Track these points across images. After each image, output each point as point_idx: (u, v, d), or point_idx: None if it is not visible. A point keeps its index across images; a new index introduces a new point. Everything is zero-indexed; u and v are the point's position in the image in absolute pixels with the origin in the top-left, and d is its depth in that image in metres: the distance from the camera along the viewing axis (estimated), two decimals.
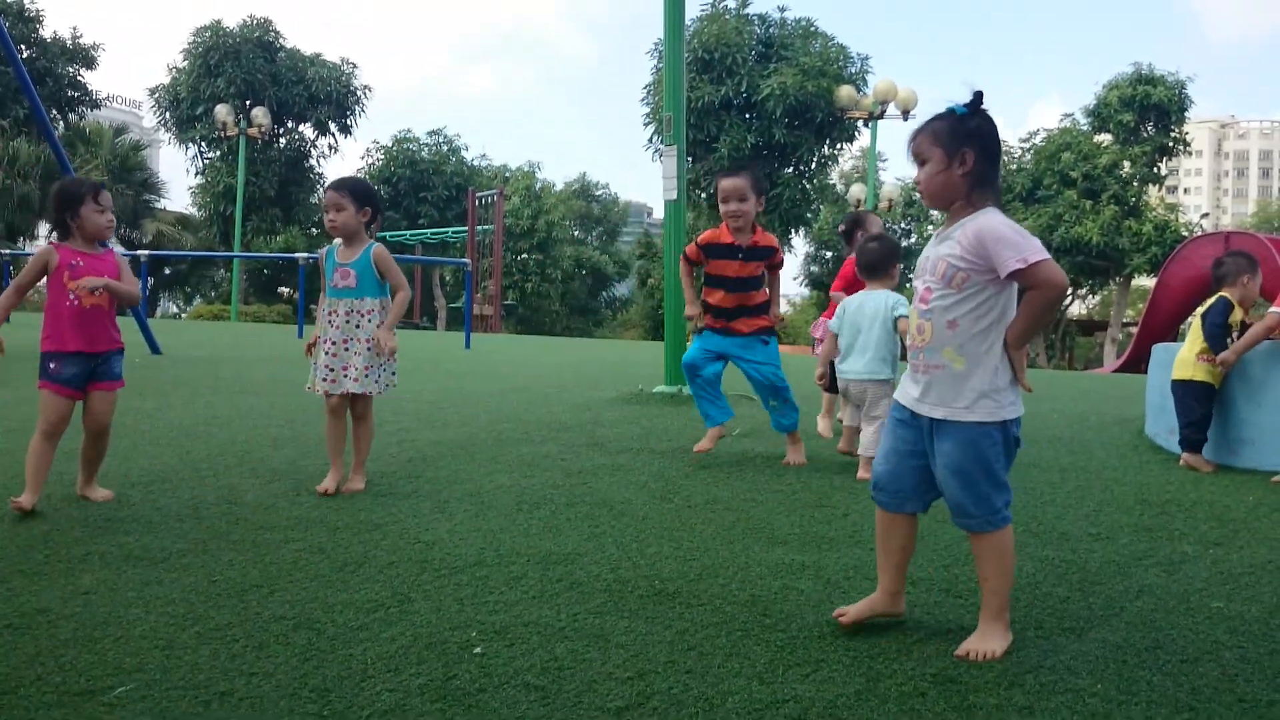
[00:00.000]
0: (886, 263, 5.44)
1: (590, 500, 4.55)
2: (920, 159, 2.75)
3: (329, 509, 4.28)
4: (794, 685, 2.51)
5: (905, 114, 27.47)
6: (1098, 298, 50.00)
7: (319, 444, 5.65)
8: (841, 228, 7.30)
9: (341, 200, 4.56)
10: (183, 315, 43.95)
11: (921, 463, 2.81)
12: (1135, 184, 37.67)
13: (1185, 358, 5.95)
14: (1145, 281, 40.51)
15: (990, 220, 2.65)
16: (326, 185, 4.78)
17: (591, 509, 4.39)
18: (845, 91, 29.93)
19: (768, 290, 5.61)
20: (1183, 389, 5.92)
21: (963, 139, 2.68)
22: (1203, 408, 5.86)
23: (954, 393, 2.70)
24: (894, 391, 5.65)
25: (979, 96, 2.72)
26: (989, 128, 2.71)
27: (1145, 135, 37.61)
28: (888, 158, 63.86)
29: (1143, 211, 37.31)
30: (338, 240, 4.71)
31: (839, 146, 40.27)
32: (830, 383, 6.23)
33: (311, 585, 3.25)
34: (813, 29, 38.74)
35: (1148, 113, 37.20)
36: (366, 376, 4.56)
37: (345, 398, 4.63)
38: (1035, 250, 2.59)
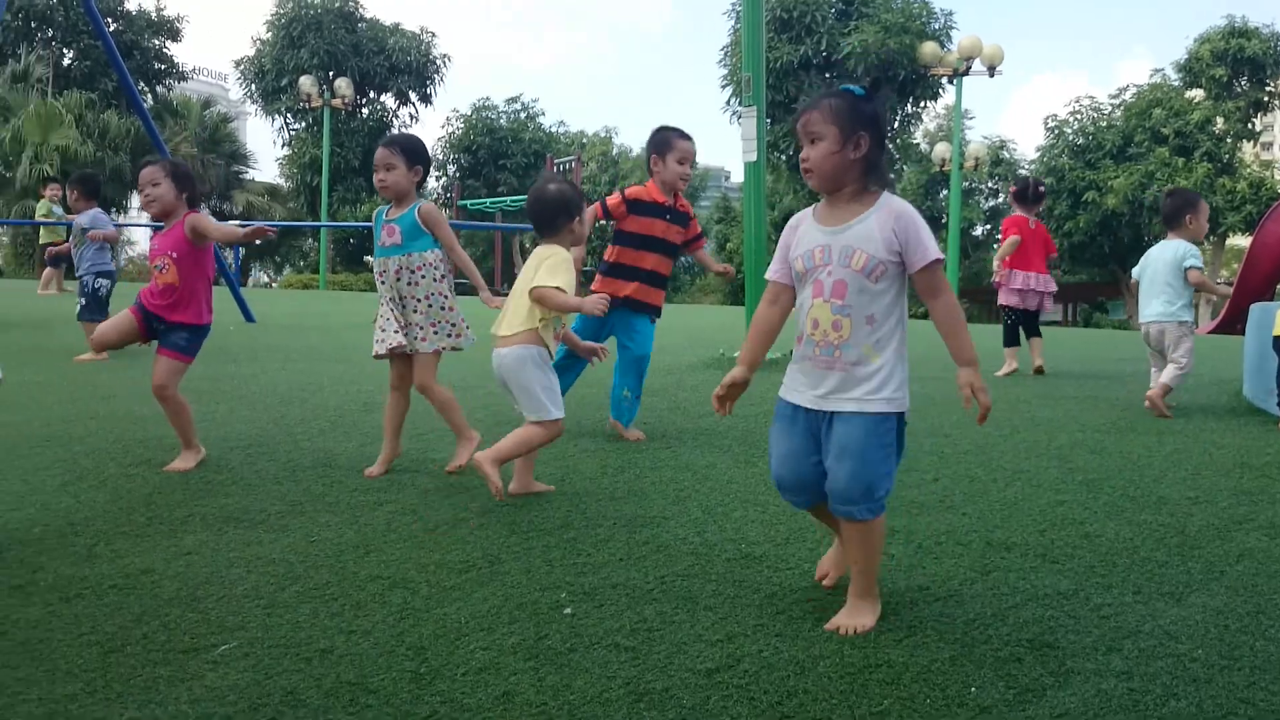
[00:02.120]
0: (1179, 214, 6.23)
1: (674, 465, 4.56)
2: (811, 136, 2.65)
3: (420, 472, 4.35)
4: (887, 650, 2.49)
5: (991, 70, 26.75)
6: None
7: (410, 409, 5.73)
8: (1014, 189, 8.42)
9: (392, 158, 4.31)
10: (274, 284, 44.87)
11: (814, 457, 2.70)
12: (1229, 140, 36.36)
13: None
14: (1240, 240, 39.18)
15: (907, 205, 2.66)
16: (379, 144, 4.55)
17: (675, 473, 4.40)
18: (929, 48, 29.23)
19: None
20: None
21: (859, 122, 2.62)
22: None
23: (863, 384, 2.61)
24: (1190, 334, 5.96)
25: (877, 82, 2.71)
26: (882, 113, 2.71)
27: (1239, 90, 36.24)
28: (974, 115, 62.66)
29: (1237, 169, 36.03)
30: (389, 205, 4.48)
31: (923, 104, 39.58)
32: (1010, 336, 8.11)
33: (405, 546, 3.32)
34: None
35: (1241, 67, 35.82)
36: (434, 333, 4.33)
37: (407, 365, 4.40)
38: (938, 249, 2.63)
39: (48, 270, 16.49)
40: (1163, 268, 6.21)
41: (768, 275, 2.86)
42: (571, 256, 4.05)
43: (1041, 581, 3.01)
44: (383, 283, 4.40)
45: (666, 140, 5.24)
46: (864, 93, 2.65)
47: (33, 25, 39.83)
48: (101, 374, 7.11)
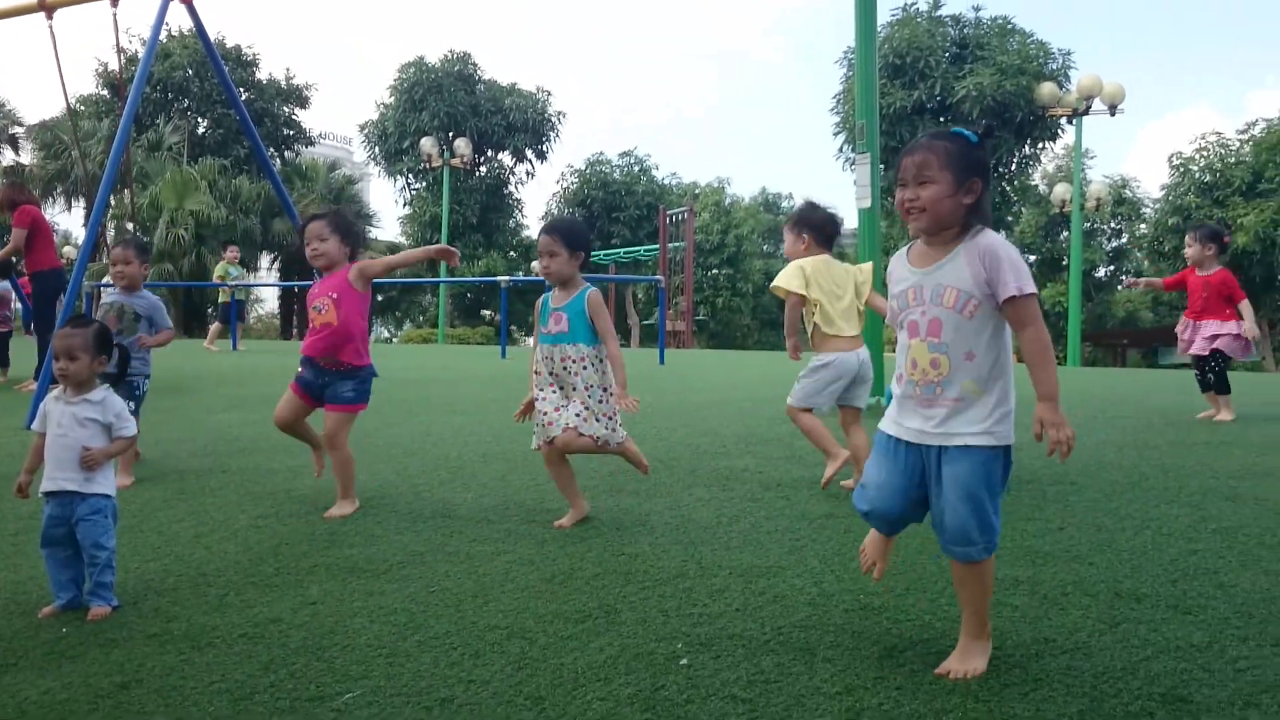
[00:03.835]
0: None
1: (790, 514, 4.53)
2: (923, 178, 2.62)
3: (536, 523, 4.40)
4: (1011, 704, 2.43)
5: (1112, 109, 26.14)
6: None
7: (525, 460, 5.82)
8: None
9: (554, 245, 4.34)
10: (394, 339, 46.08)
11: (912, 493, 2.70)
12: None
13: None
14: None
15: (998, 239, 2.63)
16: (540, 230, 4.56)
17: (792, 522, 4.36)
18: (1046, 89, 28.69)
19: None
20: None
21: (973, 167, 2.62)
22: None
23: (970, 419, 2.59)
24: None
25: (989, 129, 2.71)
26: (988, 160, 2.71)
27: None
28: (1095, 155, 60.80)
29: None
30: (553, 290, 4.50)
31: (1040, 146, 38.85)
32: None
33: (522, 596, 3.36)
34: (1010, 27, 37.60)
35: None
36: (584, 421, 4.28)
37: (555, 451, 4.37)
38: (1030, 282, 2.57)
39: (217, 325, 18.19)
40: None
41: (889, 322, 2.90)
42: None
43: (1173, 633, 2.90)
44: (545, 370, 4.37)
45: None
46: (977, 139, 2.66)
47: (169, 96, 42.13)
48: (236, 428, 7.40)
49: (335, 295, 4.64)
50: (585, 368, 4.32)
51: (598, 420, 4.31)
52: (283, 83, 44.60)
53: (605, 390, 4.34)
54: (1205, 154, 36.94)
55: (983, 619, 2.69)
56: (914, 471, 2.69)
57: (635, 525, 4.35)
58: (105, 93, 41.58)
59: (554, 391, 4.37)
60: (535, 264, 4.70)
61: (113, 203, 35.51)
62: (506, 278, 17.52)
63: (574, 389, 4.32)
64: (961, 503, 2.58)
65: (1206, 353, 7.95)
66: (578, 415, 4.29)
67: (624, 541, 4.06)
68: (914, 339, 2.67)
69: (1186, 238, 8.71)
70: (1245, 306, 7.93)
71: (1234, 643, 2.81)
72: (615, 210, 45.81)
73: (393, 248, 46.08)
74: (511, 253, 44.86)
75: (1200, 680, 2.55)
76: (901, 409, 2.73)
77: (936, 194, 2.61)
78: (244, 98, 40.30)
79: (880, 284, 5.59)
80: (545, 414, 4.36)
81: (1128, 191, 41.26)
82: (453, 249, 4.81)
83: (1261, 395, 10.51)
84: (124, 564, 3.68)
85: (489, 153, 45.64)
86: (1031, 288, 2.56)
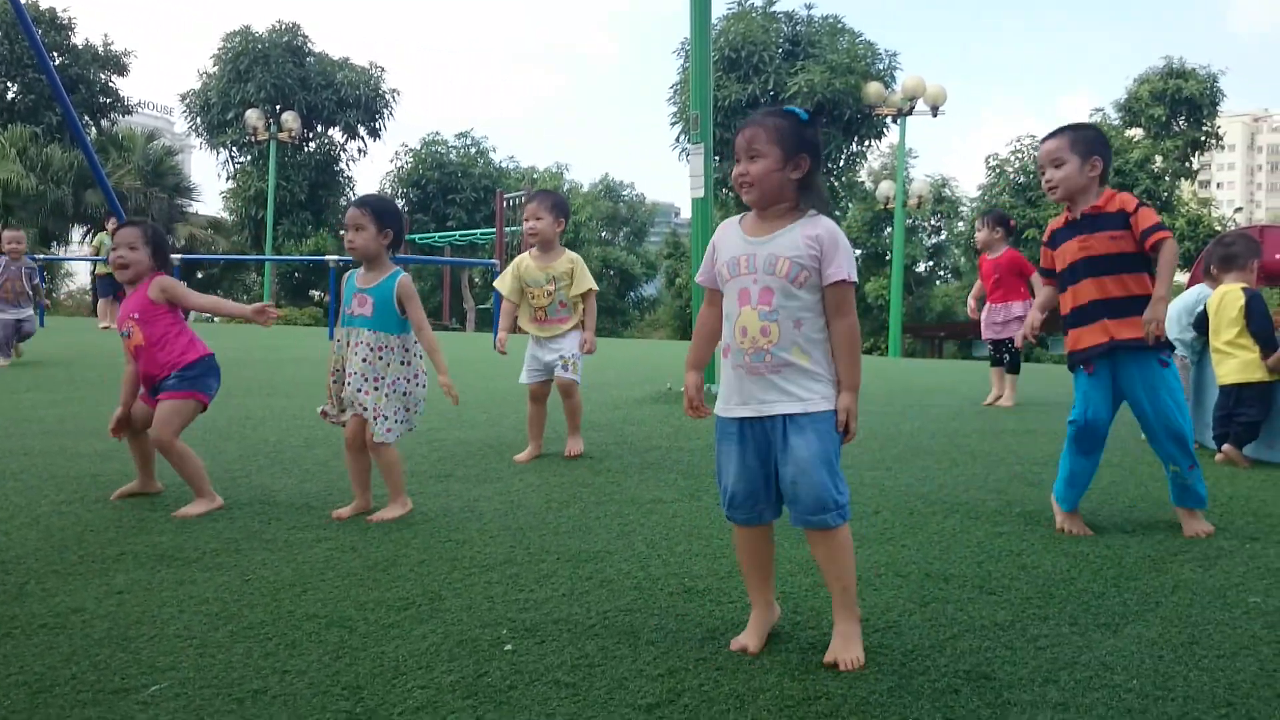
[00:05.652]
0: (1207, 268, 6.20)
1: (620, 498, 4.55)
2: (753, 153, 2.71)
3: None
4: (825, 682, 2.50)
5: (934, 110, 27.27)
6: None
7: None
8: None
9: (361, 219, 4.17)
10: (215, 319, 44.32)
11: (770, 471, 2.72)
12: (1167, 179, 37.28)
13: (1251, 359, 5.70)
14: (1178, 277, 39.99)
15: (834, 225, 2.73)
16: (349, 203, 4.40)
17: (621, 507, 4.39)
18: (873, 88, 29.69)
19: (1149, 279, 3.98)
20: (1256, 391, 5.68)
21: (801, 144, 2.71)
22: (1269, 406, 5.70)
23: (805, 386, 2.67)
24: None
25: (820, 108, 2.82)
26: (820, 139, 2.81)
27: (1177, 129, 37.23)
28: (918, 154, 63.14)
29: (1175, 206, 36.90)
30: (360, 269, 4.32)
31: (867, 143, 40.21)
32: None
33: (343, 584, 3.27)
34: (840, 26, 38.75)
35: (1179, 107, 36.83)
36: (396, 420, 4.16)
37: (360, 423, 4.20)
38: (855, 274, 2.70)
39: (103, 302, 17.11)
40: (1179, 305, 6.47)
41: (698, 279, 2.94)
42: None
43: (979, 613, 3.04)
44: (337, 351, 4.22)
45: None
46: (807, 117, 2.73)
47: None
48: (40, 409, 6.97)
49: (137, 315, 4.34)
50: (393, 357, 4.17)
51: (397, 418, 4.18)
52: (100, 48, 42.11)
53: (412, 380, 4.21)
54: (1020, 156, 38.90)
55: (853, 599, 2.70)
56: (761, 446, 2.71)
57: (463, 511, 4.29)
58: None
59: (361, 379, 4.16)
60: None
61: None
62: (335, 257, 17.04)
63: (380, 379, 4.15)
64: (812, 470, 2.61)
65: (1002, 337, 8.36)
66: (382, 415, 4.14)
67: (451, 528, 4.00)
68: (744, 306, 2.71)
69: (976, 224, 9.09)
70: (1034, 281, 8.31)
71: (1035, 622, 2.96)
72: (451, 192, 45.09)
73: (214, 223, 44.31)
74: (342, 231, 43.64)
75: (1003, 658, 2.67)
76: (734, 386, 2.74)
77: (764, 168, 2.69)
78: (57, 63, 37.96)
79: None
80: (351, 400, 4.18)
81: (947, 190, 43.08)
82: (271, 310, 4.50)
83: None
84: None
85: (319, 128, 44.18)
86: (855, 278, 2.67)
